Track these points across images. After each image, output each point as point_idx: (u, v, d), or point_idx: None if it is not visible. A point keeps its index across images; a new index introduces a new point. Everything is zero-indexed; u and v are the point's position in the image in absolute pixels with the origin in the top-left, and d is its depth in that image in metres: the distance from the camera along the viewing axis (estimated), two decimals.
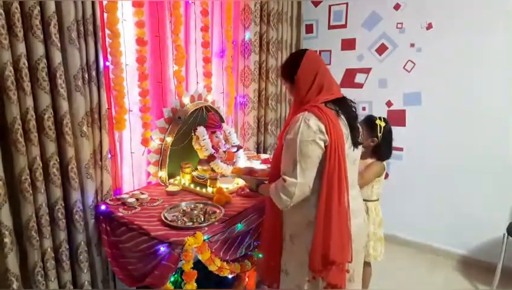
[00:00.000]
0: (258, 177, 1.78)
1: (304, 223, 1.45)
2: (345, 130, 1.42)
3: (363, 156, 1.94)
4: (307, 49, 1.51)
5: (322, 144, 1.35)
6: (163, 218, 1.67)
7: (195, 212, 1.72)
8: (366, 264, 2.04)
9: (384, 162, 2.03)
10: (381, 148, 1.98)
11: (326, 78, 1.46)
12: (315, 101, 1.41)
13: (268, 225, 1.63)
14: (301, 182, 1.35)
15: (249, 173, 1.91)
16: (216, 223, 1.67)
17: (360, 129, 1.56)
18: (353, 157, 1.48)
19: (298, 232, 1.48)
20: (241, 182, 2.13)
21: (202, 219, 1.68)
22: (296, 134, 1.34)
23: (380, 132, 1.95)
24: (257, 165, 2.38)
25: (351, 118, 1.47)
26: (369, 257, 2.06)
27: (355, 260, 1.46)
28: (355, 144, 1.47)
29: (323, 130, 1.34)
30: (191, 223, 1.64)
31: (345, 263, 1.41)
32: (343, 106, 1.46)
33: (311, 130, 1.33)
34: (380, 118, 1.99)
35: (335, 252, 1.36)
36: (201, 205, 1.83)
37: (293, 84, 1.49)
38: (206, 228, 1.61)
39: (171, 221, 1.66)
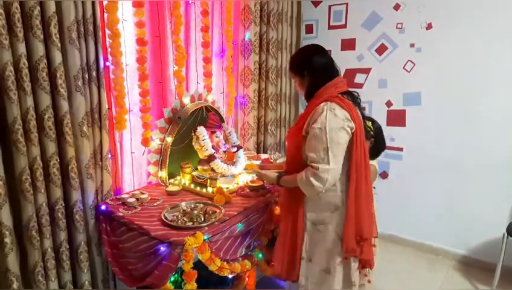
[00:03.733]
0: (276, 171, 1.80)
1: (330, 210, 1.53)
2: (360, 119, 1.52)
3: None
4: (319, 46, 1.60)
5: (350, 131, 1.43)
6: (163, 218, 1.67)
7: (195, 212, 1.72)
8: None
9: (376, 163, 2.02)
10: (376, 147, 1.98)
11: (337, 72, 1.57)
12: (330, 93, 1.47)
13: (287, 217, 1.65)
14: (334, 167, 1.41)
15: (263, 167, 2.01)
16: (216, 223, 1.67)
17: None
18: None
19: (324, 218, 1.55)
20: (241, 182, 2.14)
21: (202, 219, 1.68)
22: (324, 123, 1.40)
23: (372, 131, 1.96)
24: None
25: (360, 108, 1.58)
26: None
27: None
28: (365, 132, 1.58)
29: (349, 117, 1.43)
30: (191, 223, 1.64)
31: (372, 238, 1.55)
32: (352, 97, 1.54)
33: (338, 118, 1.41)
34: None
35: (366, 230, 1.49)
36: (201, 205, 1.83)
37: (304, 79, 1.55)
38: (206, 228, 1.61)
39: (171, 221, 1.66)
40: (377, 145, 1.97)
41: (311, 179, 1.41)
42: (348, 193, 1.48)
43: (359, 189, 1.47)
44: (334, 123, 1.40)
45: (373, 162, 2.00)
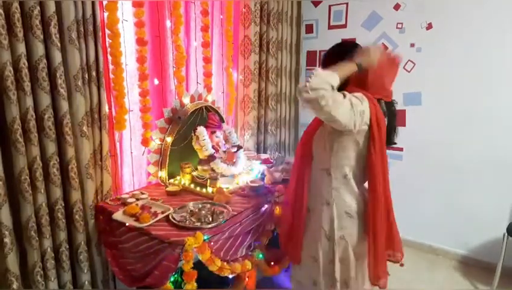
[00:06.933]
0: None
1: (321, 202, 1.55)
2: None
3: None
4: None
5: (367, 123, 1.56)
6: (171, 219, 1.67)
7: (203, 212, 1.72)
8: None
9: None
10: None
11: None
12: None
13: (292, 201, 1.64)
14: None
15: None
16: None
17: None
18: None
19: (315, 208, 1.57)
20: (241, 182, 2.14)
21: (210, 219, 1.68)
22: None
23: None
24: (257, 165, 2.38)
25: None
26: None
27: None
28: None
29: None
30: (199, 224, 1.64)
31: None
32: None
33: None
34: None
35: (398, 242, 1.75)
36: (208, 205, 1.83)
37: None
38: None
39: (179, 221, 1.65)
40: None
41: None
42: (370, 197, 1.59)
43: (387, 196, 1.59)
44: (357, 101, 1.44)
45: None
